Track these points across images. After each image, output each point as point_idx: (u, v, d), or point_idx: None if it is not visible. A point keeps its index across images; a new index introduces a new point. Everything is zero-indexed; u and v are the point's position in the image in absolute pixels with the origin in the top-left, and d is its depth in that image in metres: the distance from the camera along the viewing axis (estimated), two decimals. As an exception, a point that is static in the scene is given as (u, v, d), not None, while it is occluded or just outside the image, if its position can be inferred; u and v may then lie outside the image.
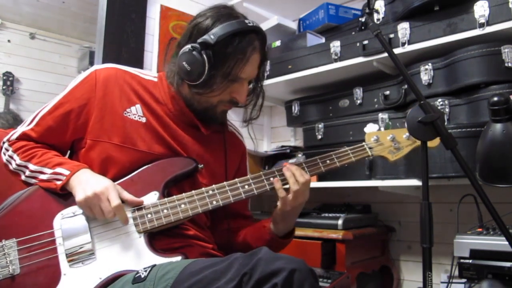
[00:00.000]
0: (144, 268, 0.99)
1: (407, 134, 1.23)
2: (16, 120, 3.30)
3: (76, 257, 1.04)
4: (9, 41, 3.94)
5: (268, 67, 2.28)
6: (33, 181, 1.12)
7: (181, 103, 1.21)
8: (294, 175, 1.14)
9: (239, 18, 1.16)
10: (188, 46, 1.12)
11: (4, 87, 3.75)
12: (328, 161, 1.21)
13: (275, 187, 1.15)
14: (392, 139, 1.24)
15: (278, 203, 1.18)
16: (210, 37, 1.10)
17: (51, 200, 1.09)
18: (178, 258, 1.05)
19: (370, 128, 1.28)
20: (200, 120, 1.23)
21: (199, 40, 1.11)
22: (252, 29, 1.15)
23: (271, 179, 1.16)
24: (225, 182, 1.15)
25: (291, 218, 1.25)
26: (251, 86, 1.26)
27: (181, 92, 1.20)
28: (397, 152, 1.24)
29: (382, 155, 1.24)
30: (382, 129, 1.27)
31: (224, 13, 1.16)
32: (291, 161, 1.18)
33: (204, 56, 1.10)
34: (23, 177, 1.13)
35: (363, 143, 1.25)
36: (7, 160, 1.16)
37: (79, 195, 1.05)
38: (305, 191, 1.16)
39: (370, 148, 1.24)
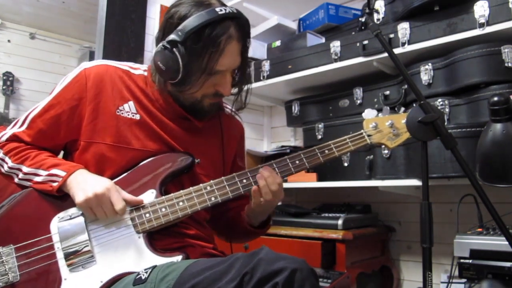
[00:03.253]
0: (145, 270, 0.98)
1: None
2: (2, 118, 3.27)
3: (76, 261, 1.02)
4: (9, 41, 3.93)
5: (268, 67, 2.28)
6: (28, 183, 1.09)
7: (170, 98, 1.18)
8: (267, 185, 1.13)
9: (212, 5, 1.08)
10: (160, 45, 1.08)
11: (4, 87, 3.74)
12: (326, 151, 1.20)
13: (252, 194, 1.14)
14: (390, 125, 1.22)
15: (252, 204, 1.18)
16: (178, 34, 1.05)
17: (46, 203, 1.07)
18: (179, 257, 1.04)
19: (368, 114, 1.25)
20: (191, 113, 1.20)
21: (168, 38, 1.06)
22: (224, 16, 1.07)
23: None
24: (223, 177, 1.14)
25: (263, 215, 1.26)
26: (236, 75, 1.21)
27: (166, 89, 1.17)
28: (396, 139, 1.22)
29: (381, 142, 1.23)
30: (381, 114, 1.25)
31: (196, 2, 1.10)
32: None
33: (177, 53, 1.05)
34: (16, 180, 1.10)
35: (362, 131, 1.23)
36: None
37: (79, 197, 1.03)
38: (277, 196, 1.15)
39: (369, 135, 1.22)
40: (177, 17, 1.09)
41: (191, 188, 1.12)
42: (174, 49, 1.06)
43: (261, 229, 1.29)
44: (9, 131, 1.16)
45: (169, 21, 1.11)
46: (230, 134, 1.32)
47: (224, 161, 1.28)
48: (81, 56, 4.28)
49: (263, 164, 1.17)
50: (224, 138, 1.29)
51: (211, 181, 1.13)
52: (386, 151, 1.83)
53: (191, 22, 1.05)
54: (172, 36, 1.06)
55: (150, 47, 2.34)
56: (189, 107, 1.19)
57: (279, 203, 2.33)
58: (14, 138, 1.15)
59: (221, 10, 1.07)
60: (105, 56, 2.14)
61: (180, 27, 1.06)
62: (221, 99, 1.23)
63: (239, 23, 1.11)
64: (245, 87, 1.25)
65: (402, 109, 1.28)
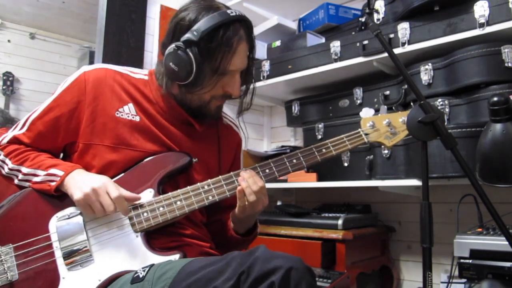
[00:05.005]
0: (143, 268, 0.98)
1: (403, 118, 1.21)
2: (6, 120, 3.27)
3: (74, 259, 1.03)
4: (9, 41, 3.94)
5: (268, 67, 2.28)
6: (27, 184, 1.10)
7: (172, 101, 1.19)
8: (249, 185, 1.10)
9: (221, 9, 1.12)
10: (173, 46, 1.09)
11: (4, 87, 3.75)
12: (324, 150, 1.20)
13: (237, 195, 1.12)
14: (388, 124, 1.23)
15: (236, 210, 1.16)
16: (194, 33, 1.07)
17: (45, 202, 1.08)
18: (176, 256, 1.04)
19: (365, 113, 1.26)
20: (193, 117, 1.21)
21: (183, 39, 1.08)
22: (235, 18, 1.10)
23: (267, 171, 1.16)
24: (220, 176, 1.14)
25: (248, 222, 1.24)
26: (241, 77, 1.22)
27: (172, 92, 1.18)
28: (394, 137, 1.23)
29: (378, 141, 1.23)
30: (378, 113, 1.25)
31: (205, 6, 1.12)
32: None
33: (190, 54, 1.07)
34: (16, 181, 1.12)
35: (359, 130, 1.23)
36: None
37: (77, 194, 1.03)
38: (262, 199, 1.13)
39: (366, 134, 1.22)
40: (188, 20, 1.10)
41: (188, 187, 1.12)
42: (188, 49, 1.08)
43: (247, 237, 1.28)
44: (10, 134, 1.18)
45: (180, 24, 1.12)
46: (227, 143, 1.33)
47: (220, 169, 1.29)
48: (81, 56, 4.28)
49: (261, 163, 1.17)
50: (221, 147, 1.30)
51: (209, 180, 1.13)
52: (386, 151, 1.83)
53: (205, 23, 1.07)
54: (187, 36, 1.08)
55: (150, 47, 2.34)
56: (195, 109, 1.19)
57: (279, 203, 2.34)
58: (14, 140, 1.16)
59: (232, 13, 1.10)
60: (105, 56, 2.14)
61: (194, 28, 1.08)
62: (224, 101, 1.23)
63: (247, 26, 1.15)
64: (251, 87, 1.26)
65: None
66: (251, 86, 1.26)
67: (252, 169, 1.15)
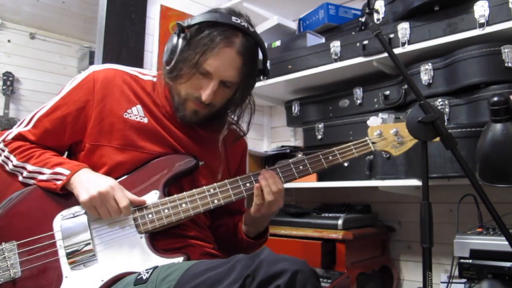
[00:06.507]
0: (146, 270, 0.98)
1: None
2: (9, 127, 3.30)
3: (77, 259, 1.03)
4: (9, 41, 3.94)
5: (267, 67, 2.27)
6: (32, 181, 1.10)
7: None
8: (269, 185, 1.11)
9: (240, 18, 1.13)
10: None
11: (4, 87, 3.75)
12: (330, 157, 1.20)
13: (254, 192, 1.12)
14: (395, 133, 1.23)
15: (252, 209, 1.16)
16: (188, 21, 1.12)
17: (50, 200, 1.08)
18: (180, 258, 1.04)
19: (373, 122, 1.26)
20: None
21: (177, 21, 1.12)
22: (234, 25, 1.10)
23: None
24: (226, 180, 1.14)
25: (261, 223, 1.25)
26: (235, 92, 1.20)
27: (167, 84, 1.18)
28: (401, 147, 1.23)
29: (385, 150, 1.23)
30: (384, 116, 1.26)
31: (230, 10, 1.14)
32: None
33: (180, 39, 1.11)
34: (20, 178, 1.11)
35: (366, 138, 1.23)
36: (3, 160, 1.14)
37: (83, 196, 1.03)
38: (278, 200, 1.13)
39: (373, 143, 1.22)
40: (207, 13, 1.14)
41: (194, 190, 1.12)
42: (181, 34, 1.11)
43: (258, 240, 1.28)
44: (14, 130, 1.17)
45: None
46: (233, 148, 1.33)
47: (228, 174, 1.28)
48: (81, 56, 4.28)
49: (267, 169, 1.17)
50: (228, 152, 1.30)
51: (215, 184, 1.13)
52: (386, 151, 1.83)
53: (202, 17, 1.11)
54: (181, 21, 1.12)
55: (150, 47, 2.34)
56: (175, 107, 1.18)
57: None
58: (19, 137, 1.16)
59: (236, 20, 1.10)
60: (105, 56, 2.14)
61: (192, 18, 1.12)
62: (202, 107, 1.16)
63: (249, 40, 1.13)
64: (243, 109, 1.24)
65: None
66: (243, 108, 1.23)
67: (257, 174, 1.15)
